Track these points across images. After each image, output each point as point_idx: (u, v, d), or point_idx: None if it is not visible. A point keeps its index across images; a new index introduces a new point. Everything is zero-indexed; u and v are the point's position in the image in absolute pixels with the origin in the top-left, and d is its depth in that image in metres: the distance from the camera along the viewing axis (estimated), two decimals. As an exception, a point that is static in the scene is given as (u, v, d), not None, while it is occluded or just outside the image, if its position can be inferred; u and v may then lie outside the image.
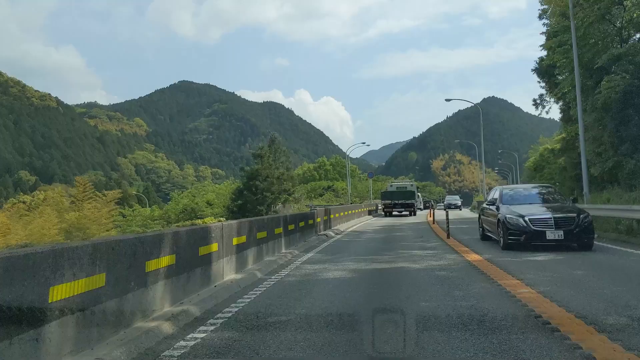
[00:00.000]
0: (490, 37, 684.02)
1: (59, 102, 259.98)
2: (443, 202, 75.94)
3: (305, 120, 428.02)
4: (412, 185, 46.09)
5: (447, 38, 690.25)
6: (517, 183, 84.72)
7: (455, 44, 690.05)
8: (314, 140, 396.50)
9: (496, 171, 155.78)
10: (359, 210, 37.05)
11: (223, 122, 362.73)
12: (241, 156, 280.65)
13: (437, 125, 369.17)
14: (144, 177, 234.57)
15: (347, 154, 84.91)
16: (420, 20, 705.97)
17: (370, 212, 43.05)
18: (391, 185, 46.93)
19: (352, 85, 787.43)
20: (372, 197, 71.18)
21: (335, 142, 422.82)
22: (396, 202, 40.23)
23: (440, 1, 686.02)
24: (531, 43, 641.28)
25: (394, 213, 39.98)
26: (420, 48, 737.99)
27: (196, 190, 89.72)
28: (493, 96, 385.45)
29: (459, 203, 64.36)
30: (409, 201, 40.30)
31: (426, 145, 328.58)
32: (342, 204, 46.68)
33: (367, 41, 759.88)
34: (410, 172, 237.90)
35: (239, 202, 45.79)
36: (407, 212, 39.77)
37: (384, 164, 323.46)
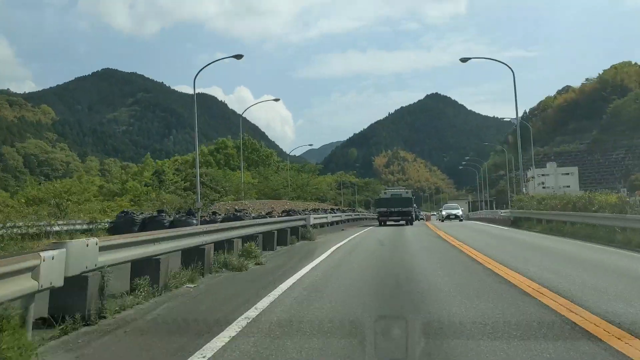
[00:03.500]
0: (428, 41, 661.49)
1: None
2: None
3: (238, 114, 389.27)
4: (407, 192, 41.80)
5: (386, 41, 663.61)
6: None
7: (393, 46, 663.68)
8: (249, 135, 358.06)
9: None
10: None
11: (146, 113, 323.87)
12: (161, 149, 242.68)
13: (379, 121, 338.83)
14: (34, 169, 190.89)
15: (289, 153, 47.87)
16: (362, 21, 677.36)
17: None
18: (385, 193, 43.06)
19: (293, 84, 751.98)
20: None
21: (272, 138, 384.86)
22: (392, 210, 37.46)
23: (381, 4, 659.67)
24: (467, 48, 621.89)
25: (388, 222, 37.27)
26: (359, 49, 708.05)
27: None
28: (437, 93, 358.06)
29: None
30: (406, 209, 37.63)
31: (368, 141, 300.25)
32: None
33: (308, 40, 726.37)
34: (350, 169, 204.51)
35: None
36: (404, 222, 36.84)
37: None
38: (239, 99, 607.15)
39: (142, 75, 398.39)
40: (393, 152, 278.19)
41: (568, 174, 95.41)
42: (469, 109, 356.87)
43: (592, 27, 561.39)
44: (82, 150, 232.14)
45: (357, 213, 53.76)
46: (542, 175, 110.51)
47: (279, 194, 61.49)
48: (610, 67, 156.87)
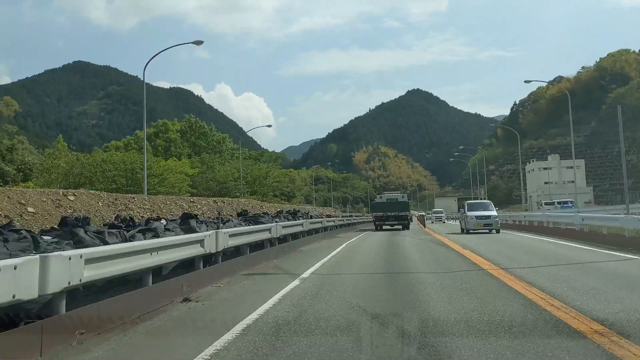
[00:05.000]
0: (409, 40, 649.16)
1: None
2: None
3: (216, 109, 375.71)
4: (403, 196, 40.23)
5: (367, 39, 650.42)
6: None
7: (375, 45, 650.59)
8: (225, 130, 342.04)
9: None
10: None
11: (117, 106, 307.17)
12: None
13: (359, 117, 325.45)
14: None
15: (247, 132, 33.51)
16: (344, 18, 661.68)
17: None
18: (381, 197, 41.07)
19: (274, 82, 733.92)
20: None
21: (250, 134, 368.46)
22: (388, 214, 36.36)
23: (363, 0, 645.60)
24: (448, 48, 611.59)
25: (385, 227, 36.07)
26: (340, 47, 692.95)
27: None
28: (418, 88, 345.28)
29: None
30: (403, 213, 36.57)
31: (347, 137, 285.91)
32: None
33: (290, 38, 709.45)
34: (329, 164, 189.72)
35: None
36: (400, 226, 36.18)
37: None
38: (219, 96, 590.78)
39: (116, 68, 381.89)
40: (374, 147, 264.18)
41: (573, 167, 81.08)
42: (450, 105, 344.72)
43: (573, 26, 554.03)
44: (42, 143, 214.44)
45: (343, 218, 43.32)
46: (544, 169, 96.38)
47: (228, 188, 46.33)
48: (607, 55, 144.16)
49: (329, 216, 33.99)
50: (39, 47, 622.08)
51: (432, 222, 55.93)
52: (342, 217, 41.09)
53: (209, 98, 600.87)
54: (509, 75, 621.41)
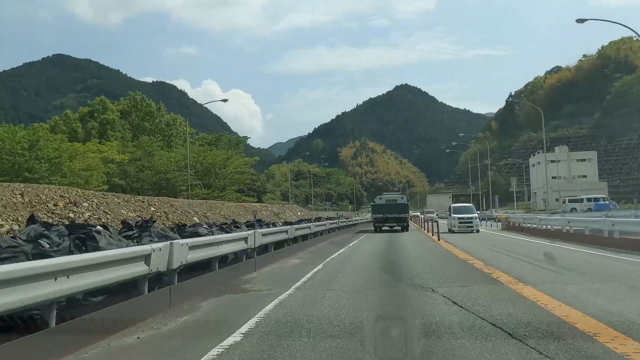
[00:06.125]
0: (397, 39, 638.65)
1: None
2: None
3: (199, 104, 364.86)
4: (402, 197, 39.20)
5: (355, 37, 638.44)
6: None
7: (363, 43, 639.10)
8: (208, 125, 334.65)
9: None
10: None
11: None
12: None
13: (346, 113, 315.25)
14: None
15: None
16: (332, 16, 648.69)
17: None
18: (380, 198, 39.15)
19: (262, 79, 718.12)
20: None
21: (235, 129, 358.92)
22: (388, 215, 35.39)
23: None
24: (434, 46, 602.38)
25: (384, 228, 35.26)
26: (328, 45, 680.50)
27: None
28: (406, 84, 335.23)
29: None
30: (402, 215, 35.79)
31: (334, 132, 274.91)
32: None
33: (277, 35, 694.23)
34: (315, 161, 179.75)
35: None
36: (399, 227, 35.44)
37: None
38: (206, 92, 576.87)
39: (97, 62, 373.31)
40: (361, 142, 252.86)
41: (585, 160, 70.48)
42: (439, 101, 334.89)
43: (561, 25, 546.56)
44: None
45: (335, 221, 36.19)
46: (552, 161, 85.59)
47: (171, 180, 34.90)
48: (609, 43, 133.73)
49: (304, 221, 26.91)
50: (23, 42, 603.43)
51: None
52: (321, 223, 28.87)
53: (196, 94, 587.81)
54: (497, 74, 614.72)
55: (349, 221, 42.21)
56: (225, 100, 39.08)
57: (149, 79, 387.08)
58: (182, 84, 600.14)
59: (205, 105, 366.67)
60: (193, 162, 38.45)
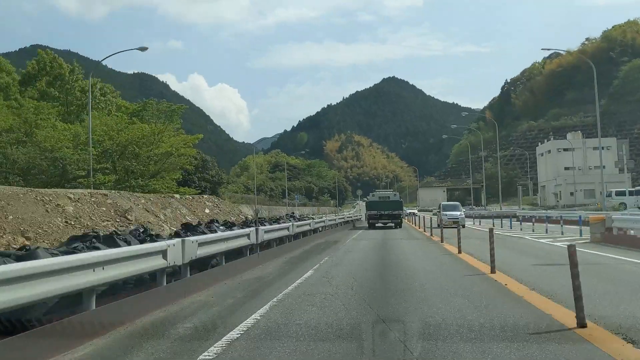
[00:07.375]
0: (383, 34, 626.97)
1: None
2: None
3: (182, 96, 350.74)
4: (395, 194, 39.92)
5: (343, 32, 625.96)
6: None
7: (350, 38, 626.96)
8: (191, 118, 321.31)
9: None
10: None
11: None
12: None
13: (331, 106, 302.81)
14: None
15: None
16: (319, 11, 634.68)
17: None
18: (373, 195, 39.62)
19: (249, 74, 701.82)
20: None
21: (221, 125, 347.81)
22: (382, 212, 35.80)
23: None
24: (422, 42, 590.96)
25: (377, 225, 35.53)
26: (316, 40, 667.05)
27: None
28: (394, 76, 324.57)
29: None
30: (396, 212, 35.95)
31: (319, 125, 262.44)
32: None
33: (264, 30, 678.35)
34: (298, 153, 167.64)
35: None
36: (393, 224, 35.66)
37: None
38: (192, 86, 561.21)
39: (77, 52, 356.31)
40: (347, 135, 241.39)
41: (604, 148, 59.67)
42: (427, 94, 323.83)
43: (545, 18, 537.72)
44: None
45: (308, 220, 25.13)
46: (564, 150, 74.14)
47: (61, 162, 22.61)
48: (613, 27, 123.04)
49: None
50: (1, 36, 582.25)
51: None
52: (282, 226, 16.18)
53: (182, 88, 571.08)
54: (484, 70, 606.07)
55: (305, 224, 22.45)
56: (144, 49, 26.93)
57: (130, 70, 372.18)
58: (167, 78, 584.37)
59: (188, 99, 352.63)
60: (99, 137, 26.33)
